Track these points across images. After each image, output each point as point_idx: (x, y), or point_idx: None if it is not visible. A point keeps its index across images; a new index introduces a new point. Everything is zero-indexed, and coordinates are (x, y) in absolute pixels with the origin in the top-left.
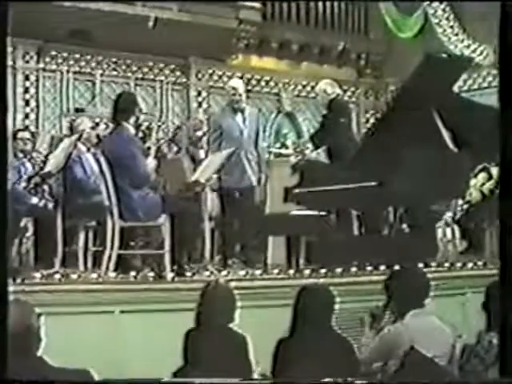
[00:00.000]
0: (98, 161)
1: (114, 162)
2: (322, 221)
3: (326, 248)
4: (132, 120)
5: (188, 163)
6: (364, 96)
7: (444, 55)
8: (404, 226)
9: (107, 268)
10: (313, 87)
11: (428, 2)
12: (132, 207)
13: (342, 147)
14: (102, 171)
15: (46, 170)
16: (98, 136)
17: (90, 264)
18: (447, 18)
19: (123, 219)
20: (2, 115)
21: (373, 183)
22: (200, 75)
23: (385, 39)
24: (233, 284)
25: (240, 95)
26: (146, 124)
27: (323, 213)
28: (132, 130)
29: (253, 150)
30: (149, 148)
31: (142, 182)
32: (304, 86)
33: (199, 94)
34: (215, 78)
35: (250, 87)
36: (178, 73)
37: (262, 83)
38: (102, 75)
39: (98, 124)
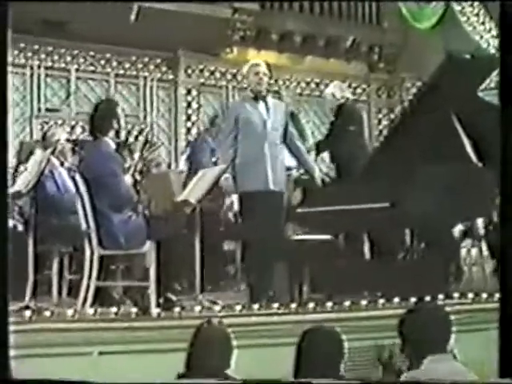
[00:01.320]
0: (73, 179)
1: (92, 182)
2: (328, 245)
3: (333, 275)
4: (111, 133)
5: (176, 179)
6: (376, 94)
7: (467, 56)
8: (422, 247)
9: (84, 301)
10: (317, 84)
11: None
12: (112, 233)
13: (351, 158)
14: (78, 192)
15: (16, 188)
16: (73, 149)
17: (64, 294)
18: (472, 5)
19: (102, 246)
20: (2, 116)
21: (386, 204)
22: (190, 71)
23: (400, 29)
24: (227, 321)
25: (266, 78)
26: (128, 127)
27: (329, 236)
28: (112, 145)
29: (277, 146)
30: (129, 150)
31: (123, 203)
32: (308, 83)
33: (189, 92)
34: (207, 74)
35: (246, 85)
36: (164, 68)
37: None
38: (77, 71)
39: (73, 127)
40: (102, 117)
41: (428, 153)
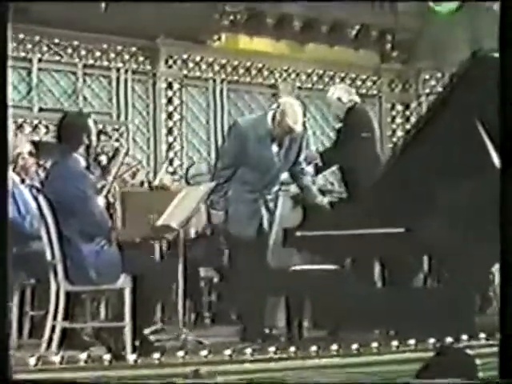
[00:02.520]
0: (36, 200)
1: (59, 205)
2: (332, 274)
3: (338, 309)
4: (82, 149)
5: (157, 196)
6: (388, 87)
7: (496, 54)
8: (442, 278)
9: (49, 344)
10: (320, 76)
11: None
12: (82, 265)
13: (363, 172)
14: (42, 215)
15: None
16: (37, 164)
17: (26, 334)
18: None
19: (70, 281)
20: (2, 116)
21: (401, 229)
22: (171, 61)
23: (416, 12)
24: (215, 368)
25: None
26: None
27: (334, 266)
28: (82, 162)
29: (277, 185)
30: (104, 170)
31: (95, 231)
32: (309, 75)
33: (170, 86)
34: (191, 65)
35: (236, 77)
36: (141, 58)
37: (253, 72)
38: (40, 61)
39: (36, 127)
40: (70, 130)
41: (449, 168)
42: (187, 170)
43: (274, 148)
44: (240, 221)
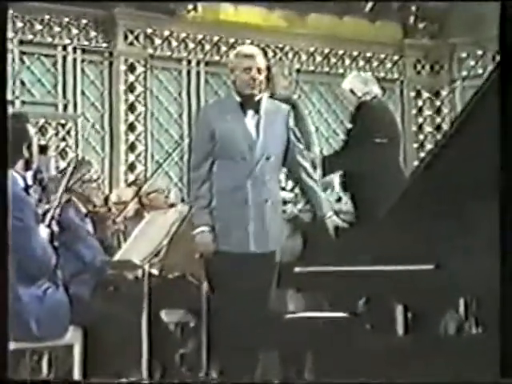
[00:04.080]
0: None
1: None
2: (342, 321)
3: (348, 363)
4: (20, 164)
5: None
6: (414, 68)
7: None
8: (480, 325)
9: None
10: (326, 56)
11: None
12: (20, 315)
13: (377, 189)
14: None
15: None
16: None
17: None
18: None
19: None
20: (2, 115)
21: (429, 266)
22: (132, 37)
23: None
24: None
25: (254, 78)
26: (40, 122)
27: (344, 312)
28: (20, 183)
29: (268, 182)
30: (43, 187)
31: (37, 271)
32: (311, 55)
33: (131, 68)
34: (158, 41)
35: (217, 57)
36: (93, 33)
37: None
38: None
39: None
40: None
41: (493, 185)
42: (140, 182)
43: (249, 118)
44: (229, 234)
